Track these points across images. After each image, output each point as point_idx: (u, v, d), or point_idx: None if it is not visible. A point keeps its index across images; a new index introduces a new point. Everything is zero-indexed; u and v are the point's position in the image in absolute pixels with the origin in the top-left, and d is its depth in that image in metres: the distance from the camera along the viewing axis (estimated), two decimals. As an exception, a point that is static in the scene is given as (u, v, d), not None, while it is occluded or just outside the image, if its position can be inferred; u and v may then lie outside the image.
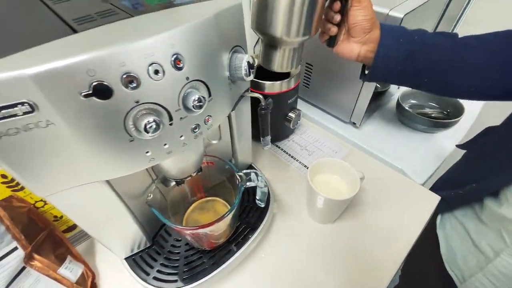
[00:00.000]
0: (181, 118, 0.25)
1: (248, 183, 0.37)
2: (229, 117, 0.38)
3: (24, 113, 0.19)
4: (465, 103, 0.68)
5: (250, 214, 0.45)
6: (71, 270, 0.38)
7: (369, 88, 0.59)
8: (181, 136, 0.27)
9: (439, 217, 0.57)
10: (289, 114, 0.58)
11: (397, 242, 0.46)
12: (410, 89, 0.75)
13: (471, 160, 0.54)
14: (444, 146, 0.65)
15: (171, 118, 0.24)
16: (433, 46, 0.38)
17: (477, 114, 0.75)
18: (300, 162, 0.59)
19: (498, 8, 0.86)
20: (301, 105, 0.76)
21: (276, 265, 0.43)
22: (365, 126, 0.70)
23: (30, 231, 0.35)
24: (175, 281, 0.37)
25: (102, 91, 0.20)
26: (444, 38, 0.38)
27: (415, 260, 0.56)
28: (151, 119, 0.22)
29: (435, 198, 0.52)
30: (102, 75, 0.20)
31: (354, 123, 0.68)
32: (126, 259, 0.39)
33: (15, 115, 0.19)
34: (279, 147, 0.63)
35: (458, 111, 0.66)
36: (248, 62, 0.30)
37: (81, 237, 0.47)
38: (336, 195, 0.41)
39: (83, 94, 0.20)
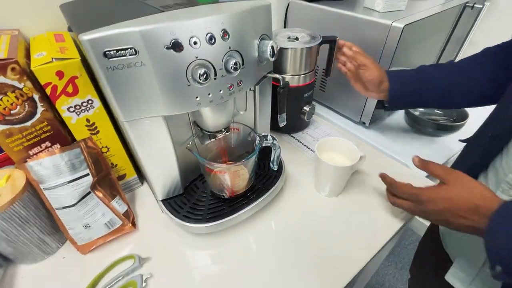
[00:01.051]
0: (222, 75, 0.36)
1: (264, 142, 0.46)
2: (254, 92, 0.48)
3: (130, 55, 0.31)
4: (470, 110, 0.73)
5: (264, 180, 0.53)
6: (120, 205, 0.49)
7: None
8: (220, 90, 0.37)
9: None
10: (304, 107, 0.68)
11: (396, 217, 0.51)
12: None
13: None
14: (449, 147, 0.70)
15: (216, 74, 0.35)
16: (431, 80, 0.54)
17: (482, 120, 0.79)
18: (312, 150, 0.67)
19: (502, 27, 0.92)
20: (317, 108, 0.85)
21: (283, 225, 0.50)
22: (374, 126, 0.77)
23: (96, 168, 0.47)
24: (200, 219, 0.46)
25: (177, 46, 0.31)
26: (438, 71, 0.55)
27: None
28: (204, 70, 0.33)
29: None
30: (178, 35, 0.31)
31: (363, 123, 0.76)
32: (162, 201, 0.49)
33: (125, 55, 0.30)
34: (294, 137, 0.72)
35: (463, 117, 0.72)
36: (272, 47, 0.40)
37: (127, 187, 0.57)
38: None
39: (165, 46, 0.31)
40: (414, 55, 0.71)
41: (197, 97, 0.36)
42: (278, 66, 0.61)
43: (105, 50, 0.30)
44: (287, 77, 0.62)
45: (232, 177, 0.47)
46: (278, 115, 0.52)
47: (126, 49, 0.30)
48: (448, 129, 0.71)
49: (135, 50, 0.30)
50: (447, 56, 0.86)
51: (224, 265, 0.45)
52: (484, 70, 0.52)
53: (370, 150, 0.68)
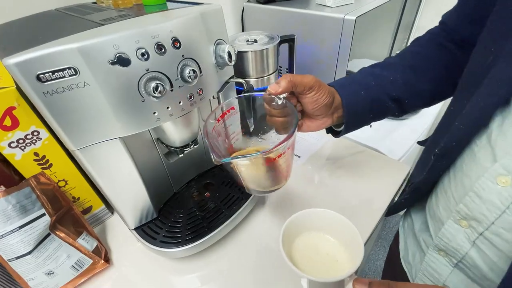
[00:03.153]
0: (179, 86, 0.34)
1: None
2: (218, 100, 0.46)
3: (70, 76, 0.27)
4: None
5: (242, 190, 0.51)
6: (87, 242, 0.44)
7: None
8: (180, 102, 0.35)
9: (401, 218, 0.55)
10: (273, 108, 0.67)
11: (374, 202, 0.52)
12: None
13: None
14: (416, 129, 0.74)
15: (172, 85, 0.33)
16: (386, 82, 0.42)
17: (441, 103, 0.85)
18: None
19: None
20: (286, 106, 0.85)
21: (269, 230, 0.49)
22: (343, 119, 0.78)
23: (54, 205, 0.42)
24: (179, 242, 0.43)
25: (123, 60, 0.29)
26: (387, 71, 0.43)
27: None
28: (157, 83, 0.31)
29: (406, 168, 0.58)
30: (123, 49, 0.28)
31: (333, 116, 0.77)
32: (135, 229, 0.45)
33: (63, 77, 0.27)
34: (264, 139, 0.71)
35: (422, 99, 0.76)
36: (229, 51, 0.39)
37: (95, 220, 0.52)
38: (329, 271, 0.30)
39: (110, 62, 0.28)
40: (370, 45, 0.74)
41: (154, 113, 0.33)
42: (241, 70, 0.60)
43: (38, 73, 0.26)
44: (251, 81, 0.61)
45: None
46: (247, 120, 0.51)
47: (64, 69, 0.27)
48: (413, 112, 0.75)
49: (74, 70, 0.27)
50: (399, 44, 0.91)
51: (216, 284, 0.42)
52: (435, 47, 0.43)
53: (343, 142, 0.68)
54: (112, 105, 0.30)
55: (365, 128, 0.73)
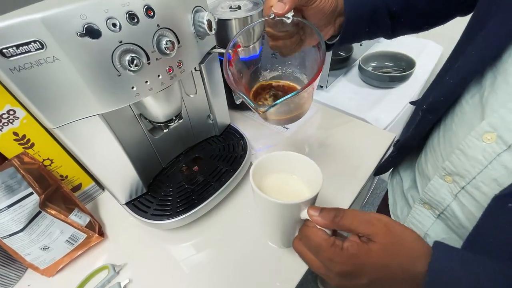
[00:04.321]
0: (157, 58, 0.32)
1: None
2: (201, 72, 0.45)
3: (36, 50, 0.26)
4: (417, 58, 0.76)
5: (231, 161, 0.52)
6: (80, 217, 0.45)
7: (328, 55, 0.67)
8: (159, 76, 0.34)
9: (389, 176, 0.57)
10: (260, 80, 0.66)
11: (360, 167, 0.54)
12: (370, 53, 0.83)
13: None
14: (403, 97, 0.74)
15: (148, 58, 0.31)
16: None
17: (430, 69, 0.84)
18: (275, 122, 0.66)
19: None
20: (274, 77, 0.83)
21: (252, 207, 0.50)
22: (332, 89, 0.78)
23: (41, 184, 0.42)
24: (170, 214, 0.44)
25: (92, 32, 0.27)
26: None
27: None
28: (132, 55, 0.29)
29: (391, 136, 0.60)
30: (91, 19, 0.27)
31: (321, 86, 0.76)
32: (126, 204, 0.46)
33: (29, 51, 0.26)
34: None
35: (411, 65, 0.75)
36: (208, 20, 0.37)
37: (87, 197, 0.53)
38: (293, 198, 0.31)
39: (79, 34, 0.27)
40: None
41: (133, 87, 0.32)
42: (224, 40, 0.57)
43: (1, 48, 0.25)
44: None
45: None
46: (233, 93, 0.50)
47: (29, 43, 0.25)
48: (400, 79, 0.74)
49: (40, 43, 0.26)
50: None
51: (210, 250, 0.44)
52: None
53: (332, 112, 0.69)
54: (86, 81, 0.29)
55: (353, 97, 0.74)
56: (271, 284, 0.39)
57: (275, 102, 0.30)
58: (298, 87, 0.40)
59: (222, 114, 0.55)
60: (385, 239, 0.24)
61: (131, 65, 0.29)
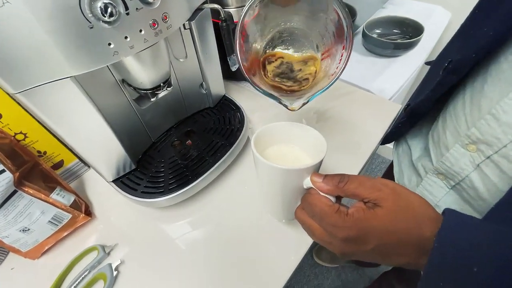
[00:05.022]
0: (137, 8, 0.27)
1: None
2: (191, 31, 0.39)
3: (-22, -12, 0.20)
4: (425, 23, 0.71)
5: (226, 135, 0.48)
6: (63, 196, 0.41)
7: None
8: (141, 31, 0.28)
9: (394, 145, 0.55)
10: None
11: (366, 139, 0.50)
12: (375, 18, 0.77)
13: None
14: (409, 66, 0.69)
15: (127, 7, 0.26)
16: None
17: (438, 36, 0.79)
18: (273, 93, 0.61)
19: None
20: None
21: (250, 182, 0.47)
22: (333, 57, 0.72)
23: (15, 161, 0.37)
24: (162, 192, 0.40)
25: (50, -34, 0.21)
26: None
27: None
28: (106, 2, 0.24)
29: (396, 106, 0.56)
30: (47, -51, 0.21)
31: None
32: (114, 181, 0.42)
33: (-31, -10, 0.20)
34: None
35: (418, 31, 0.70)
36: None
37: (70, 175, 0.49)
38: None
39: (32, -32, 0.21)
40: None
41: (110, 44, 0.27)
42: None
43: None
44: (231, 11, 0.52)
45: None
46: (228, 58, 0.44)
47: (-34, -22, 0.20)
48: (406, 46, 0.69)
49: (-18, -21, 0.20)
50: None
51: (208, 227, 0.42)
52: None
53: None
54: (48, 32, 0.24)
55: (356, 66, 0.69)
56: (273, 260, 0.37)
57: (308, 99, 0.31)
58: (312, 53, 0.35)
59: (216, 83, 0.50)
60: (392, 204, 0.22)
61: (104, 14, 0.24)
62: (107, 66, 0.33)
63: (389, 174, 0.52)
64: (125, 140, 0.39)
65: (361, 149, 0.49)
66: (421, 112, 0.40)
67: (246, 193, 0.45)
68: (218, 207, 0.44)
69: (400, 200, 0.22)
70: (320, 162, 0.29)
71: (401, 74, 0.66)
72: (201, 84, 0.48)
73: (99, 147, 0.37)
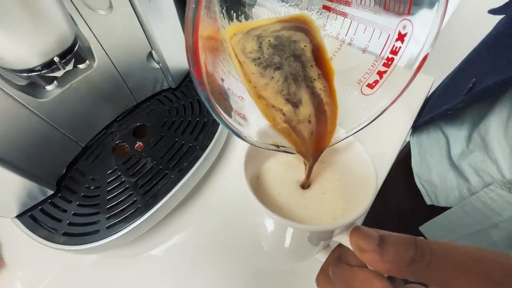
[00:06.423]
0: None
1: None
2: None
3: None
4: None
5: (199, 130, 0.32)
6: None
7: None
8: None
9: (411, 131, 0.43)
10: None
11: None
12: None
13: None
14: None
15: None
16: None
17: None
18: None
19: None
20: None
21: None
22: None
23: None
24: (96, 232, 0.26)
25: None
26: None
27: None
28: None
29: (429, 80, 0.42)
30: None
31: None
32: (17, 217, 0.27)
33: None
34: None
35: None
36: None
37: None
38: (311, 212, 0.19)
39: None
40: None
41: None
42: None
43: None
44: None
45: None
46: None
47: None
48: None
49: None
50: None
51: (177, 272, 0.28)
52: None
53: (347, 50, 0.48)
54: None
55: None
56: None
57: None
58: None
59: (176, 51, 0.33)
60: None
61: None
62: None
63: (399, 165, 0.40)
64: (20, 159, 0.23)
65: (393, 130, 0.36)
66: (488, 95, 0.27)
67: (229, 218, 0.31)
68: (188, 240, 0.30)
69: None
70: (366, 209, 0.17)
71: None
72: (150, 54, 0.31)
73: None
